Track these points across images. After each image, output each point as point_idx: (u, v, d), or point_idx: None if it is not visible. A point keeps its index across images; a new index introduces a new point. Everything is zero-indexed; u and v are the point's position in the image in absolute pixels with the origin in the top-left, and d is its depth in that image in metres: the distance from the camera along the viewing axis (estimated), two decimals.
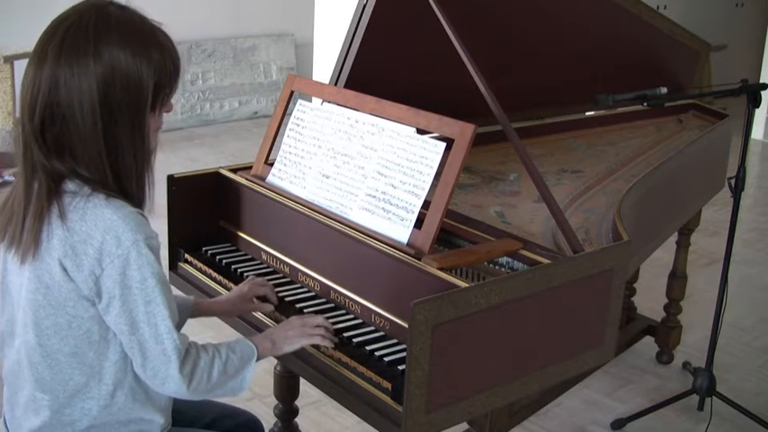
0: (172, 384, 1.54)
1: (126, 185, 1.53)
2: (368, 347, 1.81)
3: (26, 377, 1.58)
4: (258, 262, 2.22)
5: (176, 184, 2.24)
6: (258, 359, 1.68)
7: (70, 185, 1.50)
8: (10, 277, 1.60)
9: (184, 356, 1.54)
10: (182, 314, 1.87)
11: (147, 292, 1.49)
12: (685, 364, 3.40)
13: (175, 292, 2.03)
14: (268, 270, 2.17)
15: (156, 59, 1.51)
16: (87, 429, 1.58)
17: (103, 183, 1.50)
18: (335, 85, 2.38)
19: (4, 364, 1.66)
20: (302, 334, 1.78)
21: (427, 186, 1.86)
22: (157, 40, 1.53)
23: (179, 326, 1.83)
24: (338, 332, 1.87)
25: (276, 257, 2.16)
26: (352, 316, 1.94)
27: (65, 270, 1.48)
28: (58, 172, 1.50)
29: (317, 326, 1.81)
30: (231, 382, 1.62)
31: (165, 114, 1.60)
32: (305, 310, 1.96)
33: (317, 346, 1.83)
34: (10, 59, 5.31)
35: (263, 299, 2.01)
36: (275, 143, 2.29)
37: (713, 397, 2.93)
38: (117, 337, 1.54)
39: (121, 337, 1.52)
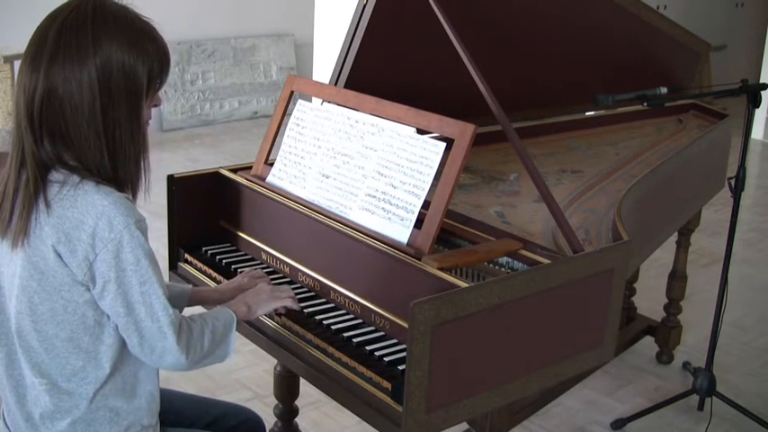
0: (170, 357, 1.58)
1: (121, 170, 1.57)
2: (368, 347, 1.81)
3: (24, 364, 1.59)
4: (258, 262, 2.22)
5: (176, 184, 2.24)
6: (237, 323, 1.75)
7: (57, 176, 1.53)
8: (2, 269, 1.62)
9: (179, 329, 1.58)
10: (179, 302, 1.91)
11: (142, 273, 1.53)
12: (685, 364, 3.40)
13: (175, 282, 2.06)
14: (268, 270, 2.17)
15: (150, 52, 1.57)
16: (82, 418, 1.59)
17: (98, 168, 1.54)
18: (335, 85, 2.38)
19: None
20: (273, 297, 1.89)
21: (427, 186, 1.86)
22: (150, 35, 1.58)
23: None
24: (338, 332, 1.88)
25: (276, 257, 2.16)
26: (352, 316, 1.94)
27: (59, 256, 1.50)
28: (45, 162, 1.53)
29: (285, 291, 1.92)
30: (218, 349, 1.68)
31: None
32: (305, 310, 1.96)
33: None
34: (10, 59, 5.31)
35: None
36: (275, 143, 2.29)
37: (713, 397, 2.93)
38: (110, 320, 1.57)
39: (117, 319, 1.55)
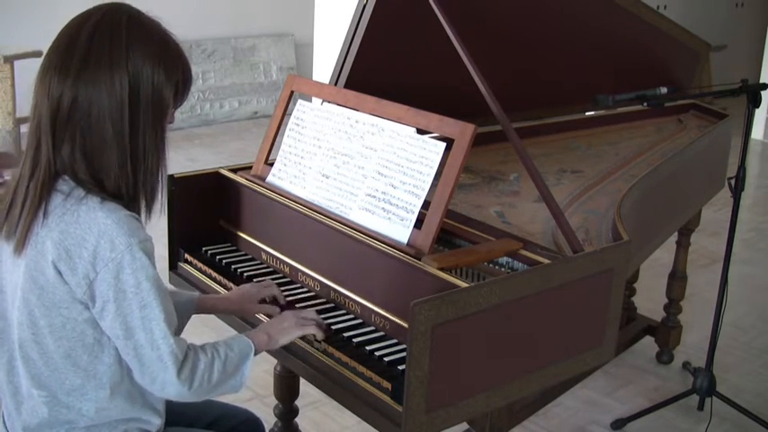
0: (171, 389, 1.54)
1: (140, 181, 1.55)
2: (368, 347, 1.81)
3: (22, 374, 1.58)
4: (258, 262, 2.22)
5: (176, 184, 2.24)
6: (255, 354, 1.70)
7: (64, 186, 1.51)
8: (5, 275, 1.61)
9: (183, 360, 1.54)
10: (185, 310, 1.88)
11: (142, 297, 1.49)
12: (685, 364, 3.40)
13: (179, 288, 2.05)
14: (268, 270, 2.17)
15: (178, 68, 1.58)
16: (86, 429, 1.59)
17: (116, 178, 1.51)
18: (335, 85, 2.38)
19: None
20: (297, 324, 1.81)
21: (427, 186, 1.86)
22: (178, 51, 1.59)
23: (183, 322, 1.84)
24: (338, 332, 1.88)
25: (276, 257, 2.16)
26: (352, 316, 1.94)
27: (59, 273, 1.48)
28: (57, 168, 1.51)
29: (311, 318, 1.84)
30: (231, 380, 1.64)
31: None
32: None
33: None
34: (10, 59, 5.29)
35: (272, 300, 2.01)
36: (275, 143, 2.29)
37: (713, 397, 2.93)
38: (111, 340, 1.54)
39: (117, 342, 1.53)
